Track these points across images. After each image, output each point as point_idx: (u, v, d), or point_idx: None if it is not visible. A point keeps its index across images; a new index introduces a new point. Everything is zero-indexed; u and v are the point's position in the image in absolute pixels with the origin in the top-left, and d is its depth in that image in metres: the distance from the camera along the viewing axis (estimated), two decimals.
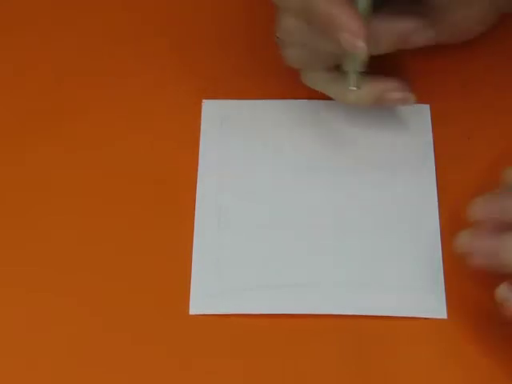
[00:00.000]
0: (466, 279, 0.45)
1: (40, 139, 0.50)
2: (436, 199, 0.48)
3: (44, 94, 0.51)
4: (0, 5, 0.54)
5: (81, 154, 0.50)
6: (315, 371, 0.44)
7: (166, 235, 0.47)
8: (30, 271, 0.47)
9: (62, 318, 0.45)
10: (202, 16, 0.54)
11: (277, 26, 0.46)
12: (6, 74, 0.52)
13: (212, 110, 0.51)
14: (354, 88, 0.45)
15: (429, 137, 0.49)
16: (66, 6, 0.54)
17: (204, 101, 0.51)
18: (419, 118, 0.50)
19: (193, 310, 0.45)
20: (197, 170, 0.49)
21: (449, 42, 0.48)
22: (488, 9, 0.46)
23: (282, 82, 0.51)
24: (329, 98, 0.49)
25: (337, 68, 0.47)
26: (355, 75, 0.45)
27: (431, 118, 0.50)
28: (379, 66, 0.47)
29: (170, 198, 0.48)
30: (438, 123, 0.50)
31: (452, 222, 0.47)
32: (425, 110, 0.50)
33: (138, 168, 0.49)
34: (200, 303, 0.46)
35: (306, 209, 0.48)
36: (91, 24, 0.54)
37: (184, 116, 0.51)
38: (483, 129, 0.50)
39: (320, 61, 0.47)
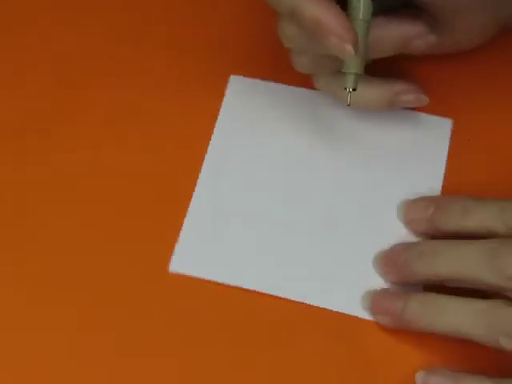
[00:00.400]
0: None
1: (40, 139, 0.50)
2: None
3: (44, 94, 0.51)
4: (0, 5, 0.54)
5: (80, 153, 0.50)
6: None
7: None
8: (30, 271, 0.47)
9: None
10: (202, 16, 0.54)
11: (279, 33, 0.46)
12: (6, 74, 0.52)
13: (238, 86, 0.51)
14: (351, 89, 0.44)
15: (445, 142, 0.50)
16: (66, 6, 0.54)
17: (231, 76, 0.51)
18: (438, 129, 0.50)
19: (173, 267, 0.46)
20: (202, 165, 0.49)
21: (450, 52, 0.48)
22: (488, 18, 0.46)
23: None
24: None
25: None
26: (353, 76, 0.44)
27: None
28: (383, 70, 0.47)
29: (168, 192, 0.49)
30: None
31: None
32: (446, 123, 0.50)
33: (138, 169, 0.49)
34: (182, 262, 0.46)
35: (311, 202, 0.48)
36: (91, 24, 0.54)
37: (184, 115, 0.51)
38: (483, 131, 0.50)
39: (326, 65, 0.47)
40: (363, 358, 0.44)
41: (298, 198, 0.48)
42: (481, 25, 0.46)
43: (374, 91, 0.47)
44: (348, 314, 0.45)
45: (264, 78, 0.51)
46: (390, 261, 0.45)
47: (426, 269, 0.43)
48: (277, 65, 0.51)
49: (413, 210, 0.46)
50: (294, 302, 0.45)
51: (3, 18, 0.54)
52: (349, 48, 0.41)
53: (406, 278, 0.44)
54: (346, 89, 0.44)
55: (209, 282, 0.46)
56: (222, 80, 0.52)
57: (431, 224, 0.45)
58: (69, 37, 0.53)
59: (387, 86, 0.47)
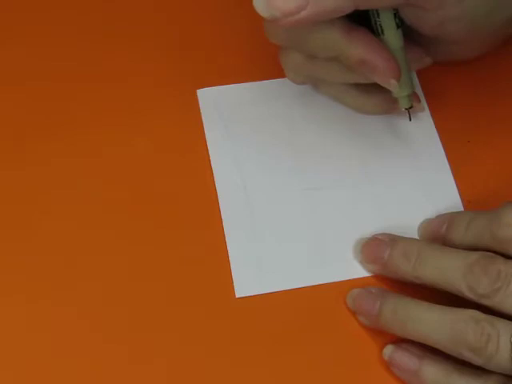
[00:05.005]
0: None
1: (40, 139, 0.50)
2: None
3: (44, 94, 0.51)
4: (0, 5, 0.54)
5: (80, 153, 0.50)
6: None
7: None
8: (30, 271, 0.47)
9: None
10: (202, 16, 0.54)
11: (283, 62, 0.48)
12: (5, 74, 0.52)
13: (208, 98, 0.51)
14: (408, 107, 0.47)
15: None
16: (66, 5, 0.54)
17: (198, 90, 0.51)
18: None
19: (240, 293, 0.46)
20: (209, 161, 0.49)
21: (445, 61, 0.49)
22: (484, 39, 0.47)
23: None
24: None
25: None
26: (407, 98, 0.47)
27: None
28: None
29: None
30: (438, 126, 0.50)
31: None
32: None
33: (138, 169, 0.49)
34: (247, 285, 0.46)
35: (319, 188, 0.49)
36: (91, 24, 0.54)
37: (187, 111, 0.51)
38: (483, 132, 0.50)
39: (330, 82, 0.48)
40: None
41: (315, 185, 0.49)
42: (477, 44, 0.48)
43: (372, 97, 0.48)
44: None
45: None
46: (373, 252, 0.46)
47: (407, 270, 0.44)
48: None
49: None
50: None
51: (3, 18, 0.54)
52: (393, 82, 0.45)
53: (387, 273, 0.45)
54: (405, 108, 0.47)
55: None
56: (220, 73, 0.52)
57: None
58: (68, 37, 0.53)
59: (385, 94, 0.47)
